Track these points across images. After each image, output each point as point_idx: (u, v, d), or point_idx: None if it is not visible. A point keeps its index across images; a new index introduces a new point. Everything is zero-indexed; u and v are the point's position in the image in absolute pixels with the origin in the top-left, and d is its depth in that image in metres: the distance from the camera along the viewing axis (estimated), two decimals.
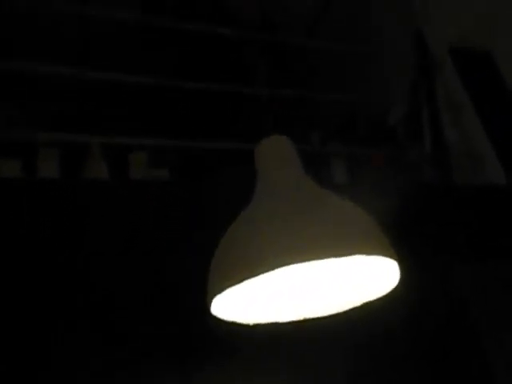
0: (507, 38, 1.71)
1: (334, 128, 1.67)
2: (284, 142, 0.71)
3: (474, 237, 1.30)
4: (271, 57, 1.53)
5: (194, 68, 1.37)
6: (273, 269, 0.51)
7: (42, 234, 0.95)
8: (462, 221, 1.36)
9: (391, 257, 0.56)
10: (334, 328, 0.85)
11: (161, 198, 1.06)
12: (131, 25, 1.41)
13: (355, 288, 0.70)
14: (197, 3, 1.64)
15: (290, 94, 1.40)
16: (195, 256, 0.96)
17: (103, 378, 0.89)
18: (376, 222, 0.61)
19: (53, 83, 1.35)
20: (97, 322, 0.93)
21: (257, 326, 0.75)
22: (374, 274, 0.66)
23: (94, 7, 1.45)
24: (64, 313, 0.91)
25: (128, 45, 1.47)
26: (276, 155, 0.69)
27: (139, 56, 1.43)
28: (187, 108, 1.29)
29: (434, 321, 1.09)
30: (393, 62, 1.88)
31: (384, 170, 1.49)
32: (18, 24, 1.60)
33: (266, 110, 1.35)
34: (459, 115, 1.69)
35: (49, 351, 0.86)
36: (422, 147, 1.64)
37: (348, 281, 0.70)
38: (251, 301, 0.70)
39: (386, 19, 1.94)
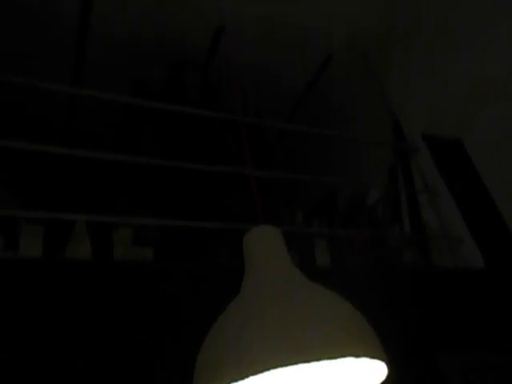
0: (474, 126, 1.82)
1: (316, 207, 1.72)
2: (272, 231, 0.73)
3: (456, 323, 1.30)
4: (257, 139, 1.60)
5: (181, 149, 1.42)
6: (261, 371, 0.51)
7: (22, 315, 0.93)
8: (442, 306, 1.37)
9: (380, 358, 0.56)
10: None
11: (144, 280, 1.04)
12: (119, 106, 1.47)
13: (344, 380, 0.69)
14: (186, 91, 1.73)
15: (275, 175, 1.45)
16: (181, 340, 0.94)
17: None
18: (364, 319, 0.61)
19: (40, 159, 1.37)
20: None
21: None
22: (363, 368, 0.66)
23: (85, 88, 1.52)
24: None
25: (115, 125, 1.53)
26: (264, 246, 0.71)
27: (126, 135, 1.48)
28: (174, 187, 1.32)
29: None
30: (371, 148, 1.98)
31: (364, 252, 1.52)
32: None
33: (252, 189, 1.39)
34: (435, 198, 1.76)
35: None
36: (401, 228, 1.69)
37: (337, 373, 0.70)
38: None
39: (366, 108, 2.07)
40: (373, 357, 0.55)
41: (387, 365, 0.60)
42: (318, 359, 0.52)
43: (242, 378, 0.52)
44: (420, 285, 1.41)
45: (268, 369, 0.51)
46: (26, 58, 1.85)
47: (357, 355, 0.54)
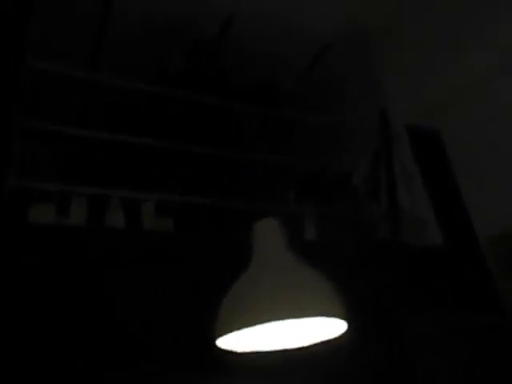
0: (454, 119, 2.07)
1: (306, 186, 1.98)
2: (274, 224, 1.01)
3: (416, 291, 1.62)
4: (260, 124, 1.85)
5: (194, 132, 1.67)
6: (260, 323, 0.80)
7: (66, 276, 1.17)
8: (407, 276, 1.68)
9: (341, 317, 0.85)
10: (299, 357, 1.14)
11: (167, 247, 1.33)
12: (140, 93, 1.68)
13: (316, 330, 0.99)
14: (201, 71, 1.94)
15: (273, 160, 1.71)
16: (201, 295, 1.23)
17: None
18: (333, 288, 0.90)
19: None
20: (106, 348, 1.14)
21: (244, 353, 1.04)
22: (330, 322, 0.96)
23: (102, 74, 1.68)
24: (72, 353, 1.09)
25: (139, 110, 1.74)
26: (267, 235, 0.99)
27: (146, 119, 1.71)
28: (190, 167, 1.58)
29: (374, 366, 1.37)
30: (360, 133, 2.23)
31: (345, 227, 1.81)
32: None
33: (254, 172, 1.67)
34: (411, 183, 2.04)
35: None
36: (379, 207, 1.97)
37: (311, 325, 1.00)
38: (243, 335, 0.98)
39: (357, 96, 2.29)
40: (337, 317, 0.85)
41: (347, 322, 0.89)
42: (299, 317, 0.81)
43: (249, 326, 0.81)
44: (389, 257, 1.71)
45: (264, 322, 0.80)
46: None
47: (325, 315, 0.83)
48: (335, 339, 0.96)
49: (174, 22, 2.07)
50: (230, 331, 0.84)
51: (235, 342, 0.97)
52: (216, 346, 0.93)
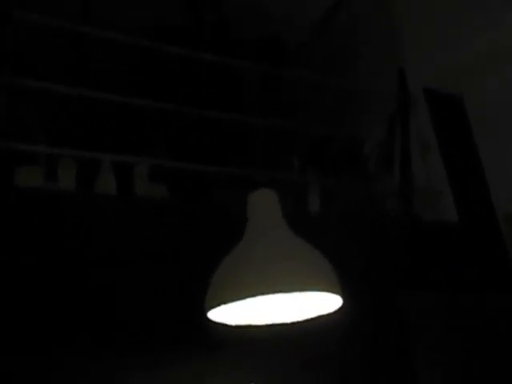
0: (477, 83, 1.92)
1: (313, 153, 1.87)
2: (269, 195, 0.92)
3: (420, 267, 1.52)
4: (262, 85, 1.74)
5: (191, 93, 1.56)
6: (249, 297, 0.74)
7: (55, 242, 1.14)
8: (412, 252, 1.58)
9: (336, 293, 0.78)
10: (292, 332, 1.08)
11: (160, 214, 1.26)
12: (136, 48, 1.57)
13: (312, 305, 0.92)
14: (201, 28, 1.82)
15: (276, 124, 1.61)
16: (191, 267, 1.17)
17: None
18: (328, 264, 0.82)
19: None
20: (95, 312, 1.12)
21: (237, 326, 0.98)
22: (326, 296, 0.89)
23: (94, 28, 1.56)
24: (64, 321, 1.08)
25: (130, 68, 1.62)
26: (263, 206, 0.91)
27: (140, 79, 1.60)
28: (186, 130, 1.49)
29: (367, 341, 1.31)
30: (374, 96, 2.09)
31: (352, 201, 1.70)
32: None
33: (257, 137, 1.57)
34: (426, 152, 1.91)
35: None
36: (391, 179, 1.86)
37: (306, 299, 0.93)
38: (235, 308, 0.92)
39: (372, 56, 2.13)
40: (331, 292, 0.77)
41: (342, 298, 0.82)
42: (290, 291, 0.74)
43: (240, 299, 0.76)
44: (399, 233, 1.61)
45: (257, 295, 0.73)
46: None
47: (319, 290, 0.76)
48: (330, 315, 0.89)
49: None
50: (220, 304, 0.80)
51: (228, 314, 0.91)
52: (207, 319, 0.87)
